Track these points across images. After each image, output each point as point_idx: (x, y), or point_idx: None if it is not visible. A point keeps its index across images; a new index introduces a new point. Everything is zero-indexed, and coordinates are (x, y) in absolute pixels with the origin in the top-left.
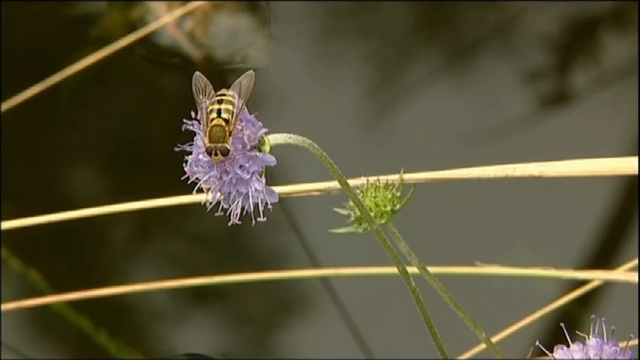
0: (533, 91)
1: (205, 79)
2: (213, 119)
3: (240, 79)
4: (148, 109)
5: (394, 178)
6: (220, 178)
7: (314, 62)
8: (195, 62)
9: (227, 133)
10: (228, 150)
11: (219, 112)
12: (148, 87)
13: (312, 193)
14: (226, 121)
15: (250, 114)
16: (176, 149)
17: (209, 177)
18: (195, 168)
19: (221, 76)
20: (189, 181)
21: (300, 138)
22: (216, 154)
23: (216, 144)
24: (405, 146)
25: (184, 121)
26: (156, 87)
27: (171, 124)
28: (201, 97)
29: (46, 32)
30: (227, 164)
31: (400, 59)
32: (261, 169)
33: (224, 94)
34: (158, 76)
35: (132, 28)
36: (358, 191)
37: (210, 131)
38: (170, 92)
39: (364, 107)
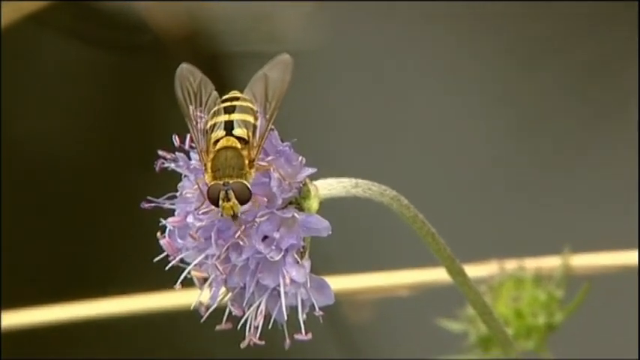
0: None
1: (200, 73)
2: (219, 139)
3: (264, 70)
4: (77, 123)
5: (551, 263)
6: (227, 258)
7: (397, 46)
8: (172, 43)
9: (246, 162)
10: (250, 193)
11: (229, 125)
12: (78, 84)
13: (397, 292)
14: (243, 141)
15: (283, 140)
16: (144, 206)
17: (206, 257)
18: (179, 241)
19: (220, 68)
20: (168, 266)
21: (375, 187)
22: (227, 199)
23: (227, 180)
24: (572, 204)
25: (159, 153)
26: (94, 85)
27: (126, 156)
28: (192, 107)
29: None
30: (241, 232)
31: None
32: (302, 244)
33: (236, 97)
34: (97, 65)
35: None
36: (484, 287)
37: (214, 158)
38: (121, 97)
39: (493, 131)
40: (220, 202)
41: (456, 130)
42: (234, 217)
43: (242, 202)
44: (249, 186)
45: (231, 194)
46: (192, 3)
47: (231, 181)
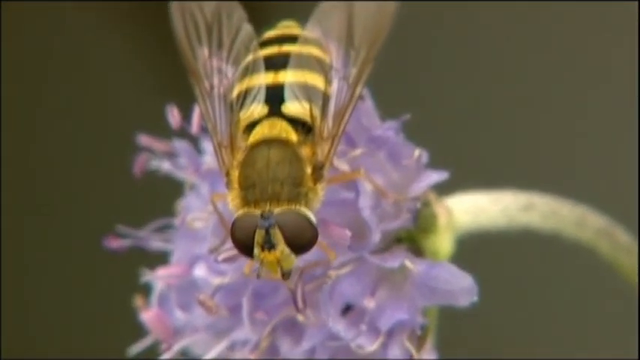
0: None
1: None
2: (256, 121)
3: None
4: None
5: None
6: (272, 349)
7: None
8: None
9: (307, 170)
10: (315, 233)
11: (275, 95)
12: None
13: None
14: (302, 126)
15: (384, 119)
16: (109, 246)
17: (232, 345)
18: (178, 315)
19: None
20: None
21: (566, 210)
22: (269, 246)
23: (271, 207)
24: None
25: (142, 141)
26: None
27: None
28: (203, 53)
29: None
30: (299, 299)
31: None
32: (420, 322)
33: (291, 37)
34: None
35: None
36: None
37: (246, 162)
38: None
39: None
40: (256, 250)
41: None
42: (285, 275)
43: (298, 251)
44: (312, 219)
45: (278, 236)
46: None
47: (276, 210)
